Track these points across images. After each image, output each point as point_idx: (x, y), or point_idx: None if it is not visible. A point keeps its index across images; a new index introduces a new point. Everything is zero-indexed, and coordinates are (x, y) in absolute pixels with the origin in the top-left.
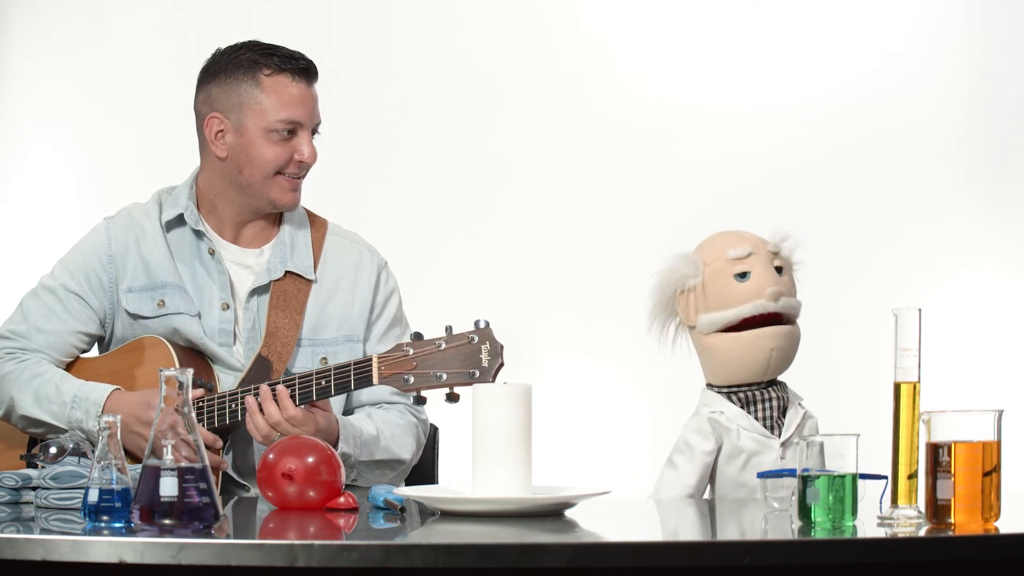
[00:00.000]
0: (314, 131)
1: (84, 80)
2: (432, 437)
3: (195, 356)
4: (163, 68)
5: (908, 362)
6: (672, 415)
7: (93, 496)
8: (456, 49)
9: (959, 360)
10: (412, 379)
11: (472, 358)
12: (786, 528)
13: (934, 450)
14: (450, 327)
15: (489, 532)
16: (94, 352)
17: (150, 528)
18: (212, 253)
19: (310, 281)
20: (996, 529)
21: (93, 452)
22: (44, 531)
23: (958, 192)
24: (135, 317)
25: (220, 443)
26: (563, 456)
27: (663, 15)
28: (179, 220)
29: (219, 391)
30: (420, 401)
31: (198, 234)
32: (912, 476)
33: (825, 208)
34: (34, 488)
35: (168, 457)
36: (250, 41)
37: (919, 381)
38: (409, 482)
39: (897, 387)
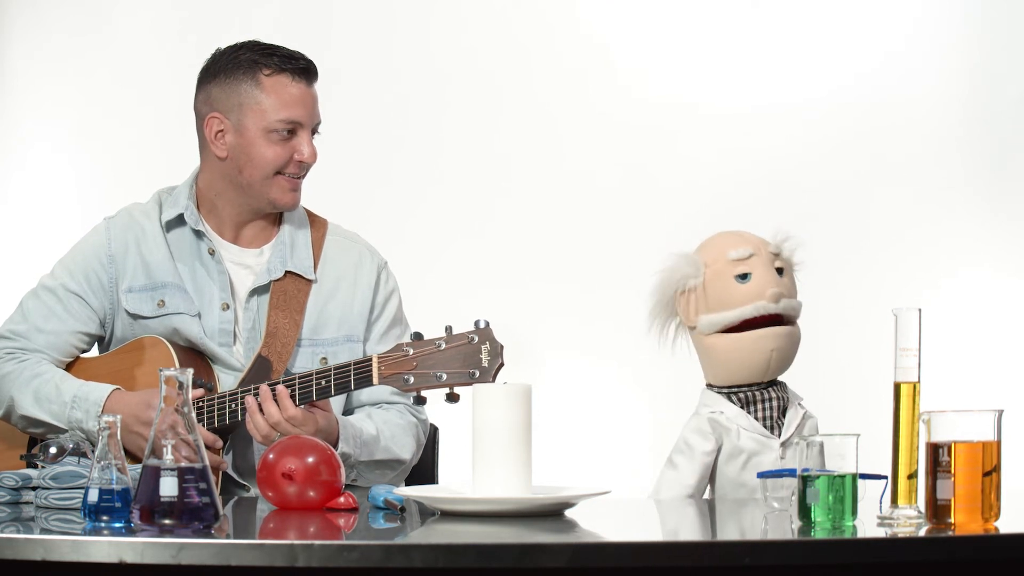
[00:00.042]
0: (314, 131)
1: (84, 80)
2: (432, 437)
3: (195, 356)
4: (163, 68)
5: (908, 362)
6: (672, 415)
7: (93, 496)
8: (456, 49)
9: (959, 360)
10: (412, 379)
11: (472, 358)
12: (786, 528)
13: (934, 450)
14: (450, 327)
15: (489, 532)
16: (94, 352)
17: (150, 528)
18: (212, 253)
19: (310, 281)
20: (996, 529)
21: (93, 452)
22: (44, 531)
23: (958, 192)
24: (135, 317)
25: (220, 443)
26: (563, 456)
27: (663, 15)
28: (179, 220)
29: (219, 391)
30: (420, 401)
31: (198, 234)
32: (912, 476)
33: (825, 208)
34: (34, 488)
35: (168, 457)
36: (250, 41)
37: (919, 381)
38: (409, 482)
39: (897, 387)
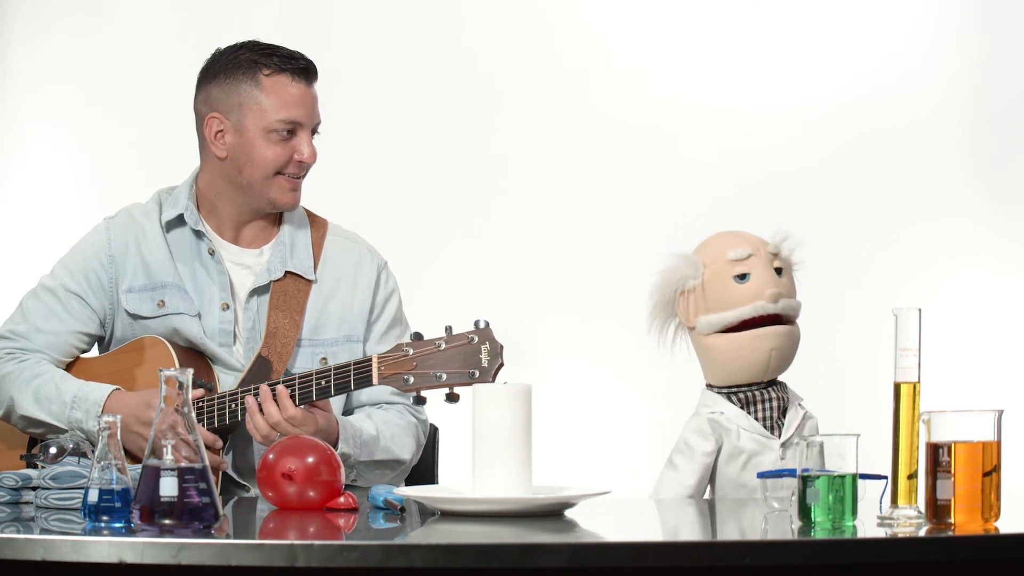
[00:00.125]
0: (314, 131)
1: (84, 80)
2: (432, 437)
3: (195, 356)
4: (163, 68)
5: (908, 362)
6: (672, 415)
7: (93, 496)
8: (456, 49)
9: (959, 360)
10: (412, 379)
11: (472, 358)
12: (786, 528)
13: (934, 450)
14: (450, 327)
15: (489, 532)
16: (94, 352)
17: (150, 528)
18: (212, 253)
19: (310, 281)
20: (996, 529)
21: (93, 452)
22: (44, 531)
23: (958, 192)
24: (135, 317)
25: (220, 443)
26: (563, 456)
27: (663, 15)
28: (179, 220)
29: (219, 391)
30: (420, 401)
31: (198, 234)
32: (912, 476)
33: (825, 208)
34: (34, 488)
35: (168, 457)
36: (250, 41)
37: (919, 381)
38: (409, 482)
39: (897, 387)
